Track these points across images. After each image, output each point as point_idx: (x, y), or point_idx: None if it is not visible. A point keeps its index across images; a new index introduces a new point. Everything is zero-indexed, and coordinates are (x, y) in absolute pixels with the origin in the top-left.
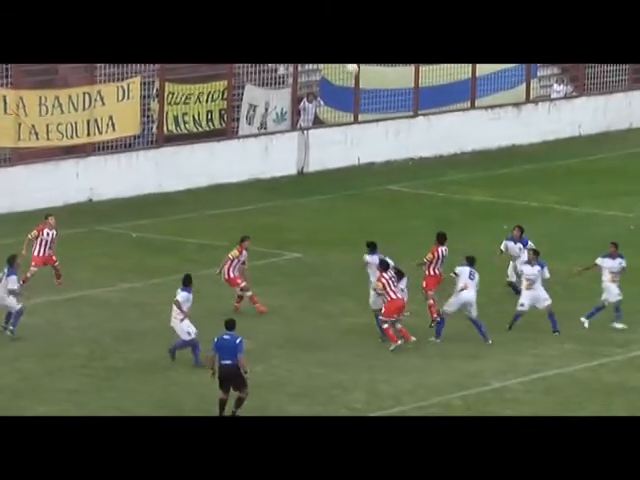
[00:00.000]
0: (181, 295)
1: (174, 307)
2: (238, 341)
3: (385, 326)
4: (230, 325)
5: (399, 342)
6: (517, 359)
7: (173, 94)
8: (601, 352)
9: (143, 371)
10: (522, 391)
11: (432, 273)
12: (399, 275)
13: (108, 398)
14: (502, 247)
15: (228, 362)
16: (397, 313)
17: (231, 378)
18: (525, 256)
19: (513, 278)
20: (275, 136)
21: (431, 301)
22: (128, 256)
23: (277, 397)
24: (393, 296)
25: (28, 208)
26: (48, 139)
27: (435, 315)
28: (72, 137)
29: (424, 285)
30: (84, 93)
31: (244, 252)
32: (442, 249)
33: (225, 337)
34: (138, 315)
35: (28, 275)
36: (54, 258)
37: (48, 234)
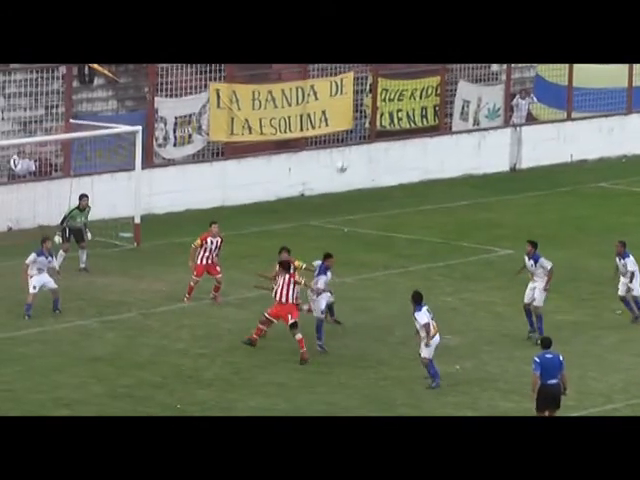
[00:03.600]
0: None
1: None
2: (562, 358)
3: None
4: (548, 343)
5: None
6: None
7: (387, 90)
8: None
9: (354, 366)
10: None
11: None
12: None
13: (318, 392)
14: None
15: (555, 381)
16: None
17: (557, 397)
18: None
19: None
20: (488, 132)
21: None
22: (339, 250)
23: (488, 394)
24: None
25: (240, 202)
26: (261, 133)
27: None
28: (285, 132)
29: None
30: (297, 88)
31: None
32: None
33: (548, 356)
34: (350, 310)
35: (192, 284)
36: (218, 269)
37: (212, 242)
